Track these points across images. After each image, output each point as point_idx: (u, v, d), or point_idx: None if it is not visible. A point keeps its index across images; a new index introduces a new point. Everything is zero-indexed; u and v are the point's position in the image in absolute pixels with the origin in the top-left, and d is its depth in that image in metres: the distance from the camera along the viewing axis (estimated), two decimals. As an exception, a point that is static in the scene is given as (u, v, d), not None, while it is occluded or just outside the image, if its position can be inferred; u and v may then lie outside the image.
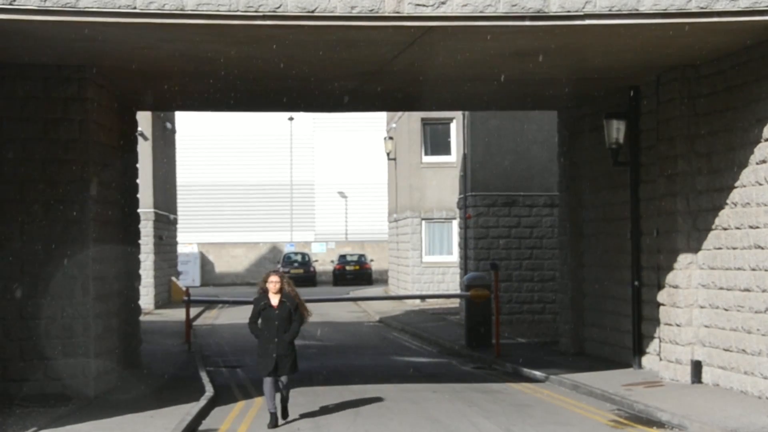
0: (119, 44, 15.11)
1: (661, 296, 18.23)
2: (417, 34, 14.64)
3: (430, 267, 41.46)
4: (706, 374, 17.22)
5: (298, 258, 62.46)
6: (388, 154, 46.69)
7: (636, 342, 19.58)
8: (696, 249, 17.44)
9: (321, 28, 14.00)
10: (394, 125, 45.72)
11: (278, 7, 13.51)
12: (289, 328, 14.74)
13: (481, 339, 24.40)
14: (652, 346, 19.11)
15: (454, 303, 35.77)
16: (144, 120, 36.17)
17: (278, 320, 14.66)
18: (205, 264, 64.85)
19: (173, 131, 46.12)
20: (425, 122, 41.42)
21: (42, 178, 16.55)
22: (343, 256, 62.68)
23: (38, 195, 16.52)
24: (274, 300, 14.72)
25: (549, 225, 30.27)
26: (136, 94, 20.15)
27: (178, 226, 48.78)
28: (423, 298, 35.64)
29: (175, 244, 46.73)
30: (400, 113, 42.67)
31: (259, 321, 14.94)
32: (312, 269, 61.64)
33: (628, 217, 19.83)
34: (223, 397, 17.71)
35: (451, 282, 40.14)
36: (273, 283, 14.75)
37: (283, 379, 14.88)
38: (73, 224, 16.57)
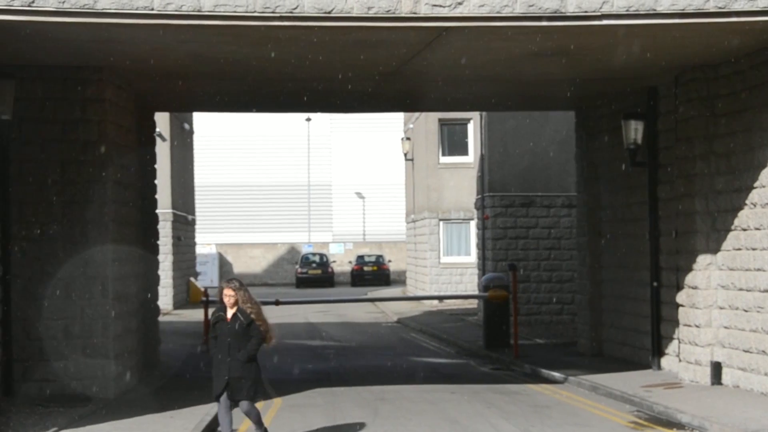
0: (137, 45, 15.15)
1: (680, 297, 18.16)
2: (434, 34, 14.63)
3: (448, 268, 41.42)
4: (726, 376, 17.15)
5: (316, 259, 62.51)
6: (405, 155, 46.68)
7: (655, 343, 19.51)
8: (715, 250, 17.37)
9: (338, 29, 14.01)
10: (411, 126, 45.70)
11: (295, 8, 13.52)
12: (245, 346, 12.64)
13: (500, 340, 24.36)
14: (671, 347, 19.04)
15: (472, 304, 35.73)
16: (162, 121, 36.29)
17: (230, 336, 12.61)
18: (224, 265, 64.97)
19: (191, 132, 46.24)
20: (442, 123, 41.39)
21: (61, 179, 16.63)
22: (360, 257, 62.70)
23: (57, 196, 16.60)
24: (229, 314, 12.74)
25: (567, 226, 30.19)
26: (153, 95, 20.21)
27: (197, 226, 48.90)
28: (441, 298, 35.60)
29: (193, 244, 46.84)
30: (417, 114, 42.65)
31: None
32: (330, 270, 61.67)
33: (647, 217, 19.77)
34: (242, 397, 17.70)
35: (469, 283, 40.09)
36: (227, 297, 12.73)
37: (243, 406, 12.77)
38: (92, 225, 16.63)
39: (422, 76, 18.20)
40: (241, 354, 12.58)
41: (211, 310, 34.57)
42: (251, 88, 19.30)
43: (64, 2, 13.23)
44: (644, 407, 15.98)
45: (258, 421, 12.89)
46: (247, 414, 12.86)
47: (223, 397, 12.69)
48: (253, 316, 12.63)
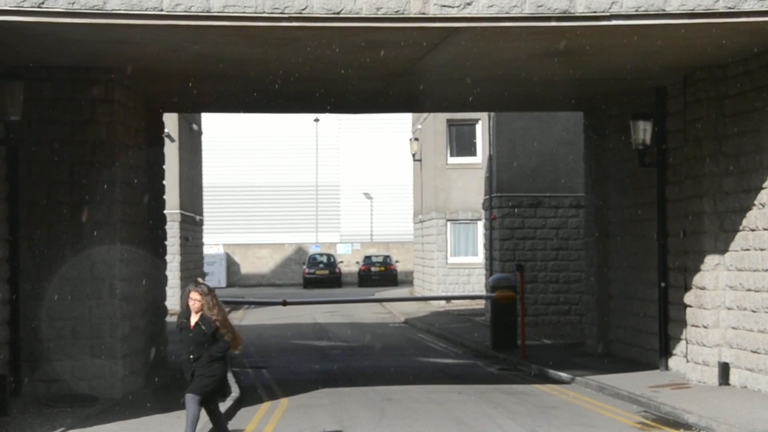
0: (146, 46, 15.18)
1: (688, 298, 18.13)
2: (442, 35, 14.63)
3: (456, 268, 41.41)
4: (734, 376, 17.12)
5: (324, 259, 62.54)
6: (413, 155, 46.67)
7: (663, 343, 19.48)
8: (723, 250, 17.34)
9: (347, 29, 14.02)
10: (419, 126, 45.70)
11: (304, 9, 13.54)
12: (207, 353, 12.03)
13: (507, 340, 24.34)
14: (679, 348, 19.02)
15: (480, 304, 35.71)
16: (170, 121, 36.32)
17: (192, 345, 12.06)
18: (231, 265, 65.03)
19: (199, 132, 46.28)
20: (450, 123, 41.38)
21: (69, 179, 16.66)
22: (368, 257, 62.71)
23: (66, 196, 16.63)
24: (193, 320, 12.12)
25: (575, 226, 30.16)
26: (162, 95, 20.24)
27: (204, 227, 48.92)
28: (448, 299, 35.61)
29: (201, 245, 46.86)
30: (425, 114, 42.65)
31: None
32: (337, 270, 61.69)
33: (655, 218, 19.74)
34: (249, 397, 17.76)
35: (477, 283, 40.07)
36: (192, 301, 12.09)
37: (189, 398, 12.18)
38: (100, 225, 16.66)
39: (431, 76, 18.20)
40: (204, 356, 12.00)
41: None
42: (259, 88, 19.32)
43: (73, 3, 13.25)
44: (651, 408, 15.96)
45: (192, 422, 12.06)
46: (186, 406, 12.11)
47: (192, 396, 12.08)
48: (217, 323, 11.99)
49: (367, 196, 68.18)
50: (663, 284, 19.42)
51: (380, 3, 13.60)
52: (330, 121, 66.18)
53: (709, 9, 13.83)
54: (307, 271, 61.18)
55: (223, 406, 15.85)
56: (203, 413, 12.33)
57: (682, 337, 18.71)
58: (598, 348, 22.67)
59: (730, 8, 13.82)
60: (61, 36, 14.32)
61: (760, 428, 13.47)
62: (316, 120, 66.72)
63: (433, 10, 13.69)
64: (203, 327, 11.99)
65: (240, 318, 37.91)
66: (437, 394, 18.03)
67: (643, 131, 19.60)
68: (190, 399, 12.02)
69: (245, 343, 29.38)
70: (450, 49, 15.58)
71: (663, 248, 19.44)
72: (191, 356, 11.99)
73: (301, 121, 65.87)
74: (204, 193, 49.19)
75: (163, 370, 20.70)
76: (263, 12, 13.52)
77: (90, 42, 14.81)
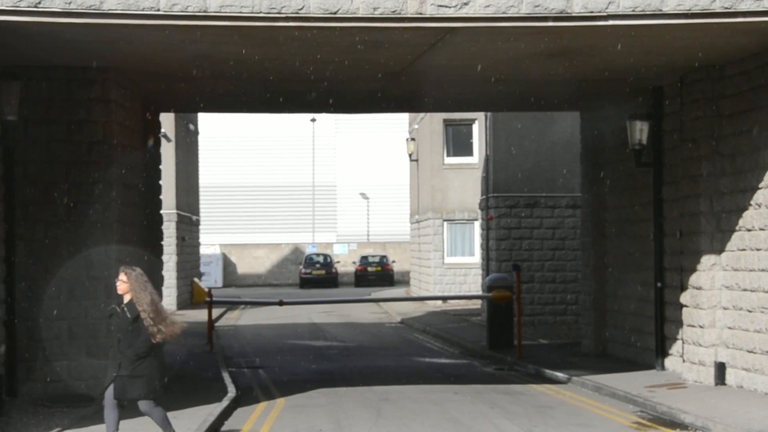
0: (143, 46, 15.17)
1: (684, 297, 18.15)
2: (439, 35, 14.64)
3: (452, 268, 41.41)
4: (730, 376, 17.14)
5: (320, 259, 62.54)
6: (410, 156, 46.66)
7: (659, 343, 19.50)
8: (719, 250, 17.36)
9: (343, 29, 14.02)
10: (416, 126, 45.71)
11: (301, 9, 13.54)
12: (135, 342, 11.51)
13: (503, 340, 24.35)
14: (675, 348, 19.04)
15: (476, 304, 35.72)
16: (167, 121, 36.30)
17: (120, 332, 11.53)
18: (228, 265, 65.02)
19: (196, 132, 46.27)
20: (447, 123, 41.39)
21: (66, 179, 16.64)
22: (364, 257, 62.72)
23: (62, 196, 16.61)
24: (124, 304, 11.63)
25: (571, 226, 30.19)
26: (159, 95, 20.23)
27: (201, 227, 48.92)
28: (445, 299, 35.61)
29: (197, 245, 46.87)
30: (422, 114, 42.65)
31: None
32: (334, 270, 61.69)
33: (651, 218, 19.75)
34: (246, 397, 17.76)
35: (473, 283, 40.09)
36: (119, 282, 11.62)
37: (141, 406, 11.81)
38: (96, 225, 16.65)
39: (427, 76, 18.20)
40: (129, 351, 11.48)
41: (215, 312, 34.62)
42: (256, 88, 19.31)
43: (70, 3, 13.25)
44: (648, 407, 15.98)
45: (162, 422, 11.88)
46: (147, 414, 11.83)
47: (110, 395, 11.73)
48: (140, 308, 11.43)
49: (364, 196, 68.17)
50: (659, 284, 19.44)
51: (377, 3, 13.60)
52: (327, 121, 66.18)
53: (705, 9, 13.84)
54: (303, 271, 61.18)
55: (220, 406, 15.88)
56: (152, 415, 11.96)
57: (679, 336, 18.73)
58: (594, 348, 22.68)
59: (726, 8, 13.83)
60: (58, 36, 14.31)
61: (756, 428, 13.49)
62: (313, 120, 66.71)
63: (430, 10, 13.69)
64: (128, 312, 11.53)
65: (236, 318, 37.91)
66: (434, 394, 18.03)
67: (640, 131, 19.62)
68: (149, 405, 11.72)
69: (241, 343, 29.38)
70: (447, 49, 15.59)
71: (659, 248, 19.46)
72: (119, 346, 11.48)
73: (298, 121, 65.86)
74: (200, 193, 49.20)
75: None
76: (260, 12, 13.52)
77: (86, 42, 14.80)
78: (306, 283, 60.26)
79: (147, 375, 11.61)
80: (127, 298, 11.59)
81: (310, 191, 68.03)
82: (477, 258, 39.76)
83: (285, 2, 13.49)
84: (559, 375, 19.74)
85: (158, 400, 11.91)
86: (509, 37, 14.81)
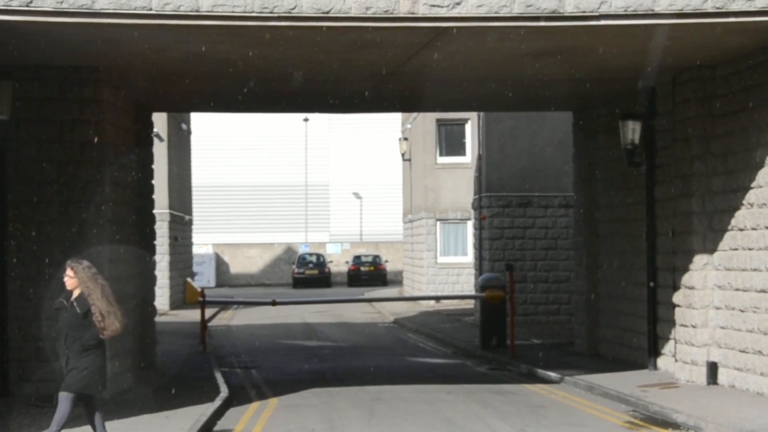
0: (135, 46, 15.15)
1: (677, 297, 18.18)
2: (432, 35, 14.64)
3: (445, 268, 41.43)
4: (722, 375, 17.17)
5: (313, 259, 62.51)
6: (402, 155, 46.67)
7: (651, 343, 19.52)
8: (712, 250, 17.39)
9: (336, 29, 14.01)
10: (408, 126, 45.72)
11: (293, 8, 13.53)
12: (83, 336, 11.05)
13: (496, 340, 24.36)
14: (668, 348, 19.06)
15: (469, 304, 35.74)
16: (159, 121, 36.28)
17: (68, 327, 11.09)
18: (220, 265, 64.96)
19: (188, 132, 46.22)
20: (440, 123, 41.40)
21: (58, 179, 16.62)
22: (357, 257, 62.70)
23: (54, 196, 16.59)
24: (73, 299, 11.20)
25: (564, 226, 30.21)
26: (151, 95, 20.21)
27: (194, 227, 48.87)
28: (438, 299, 35.62)
29: (190, 245, 46.82)
30: (415, 114, 42.67)
31: None
32: (327, 270, 61.66)
33: (644, 218, 19.78)
34: (238, 397, 17.74)
35: (466, 283, 40.10)
36: (66, 277, 11.20)
37: (62, 395, 11.24)
38: (88, 225, 16.62)
39: (420, 76, 18.21)
40: (76, 345, 11.02)
41: (208, 312, 34.55)
42: (249, 88, 19.29)
43: (62, 2, 13.23)
44: (640, 407, 15.99)
45: (58, 420, 11.09)
46: (60, 403, 11.14)
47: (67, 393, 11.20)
48: (91, 302, 11.00)
49: (357, 195, 68.17)
50: (652, 284, 19.46)
51: (369, 2, 13.60)
52: (319, 120, 66.16)
53: (697, 9, 13.86)
54: (296, 270, 61.14)
55: (212, 406, 15.87)
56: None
57: (671, 336, 18.75)
58: (587, 347, 22.70)
59: (718, 8, 13.86)
60: (50, 35, 14.29)
61: (748, 427, 13.51)
62: (306, 119, 66.69)
63: (422, 10, 13.69)
64: (77, 308, 11.05)
65: (229, 318, 37.88)
66: (427, 393, 18.04)
67: (632, 131, 19.63)
68: (64, 398, 11.06)
69: (234, 343, 29.39)
70: (440, 48, 15.59)
71: (652, 248, 19.48)
72: (65, 341, 11.02)
73: (291, 120, 65.84)
74: (193, 193, 49.15)
75: (152, 370, 20.68)
76: (252, 11, 13.51)
77: (78, 41, 14.78)
78: (299, 282, 60.23)
79: (91, 369, 11.05)
80: (76, 293, 11.12)
81: (303, 191, 68.01)
82: (470, 258, 39.77)
83: (277, 2, 13.48)
84: (552, 375, 19.75)
85: (100, 403, 11.43)
86: (502, 37, 14.81)
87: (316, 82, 18.61)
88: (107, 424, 11.56)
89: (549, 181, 30.63)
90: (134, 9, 13.35)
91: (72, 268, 11.13)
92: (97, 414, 11.45)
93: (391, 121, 60.13)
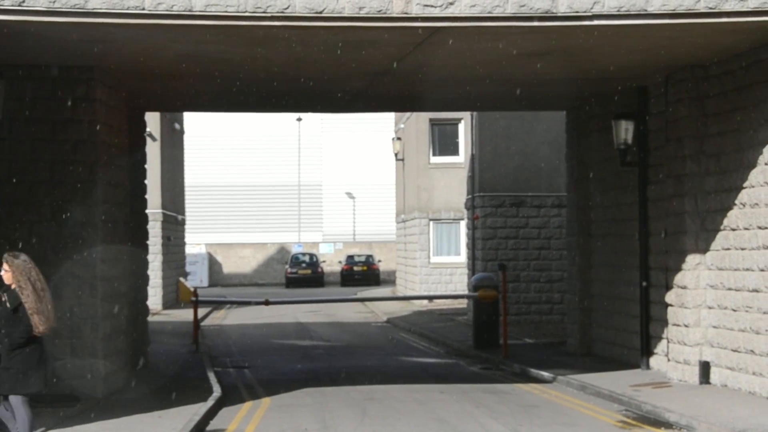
0: (128, 45, 15.13)
1: (669, 297, 18.20)
2: (425, 34, 14.64)
3: (438, 267, 41.45)
4: (714, 375, 17.20)
5: (306, 259, 62.51)
6: (396, 155, 46.68)
7: (644, 343, 19.55)
8: (704, 249, 17.41)
9: (329, 29, 14.01)
10: (402, 126, 45.73)
11: (286, 8, 13.52)
12: (14, 333, 10.75)
13: (489, 340, 24.37)
14: (660, 347, 19.08)
15: (462, 303, 35.76)
16: (152, 120, 36.23)
17: (2, 321, 10.82)
18: (213, 264, 64.92)
19: (181, 132, 46.18)
20: (433, 123, 41.42)
21: (51, 179, 16.59)
22: (350, 257, 62.70)
23: (47, 196, 16.56)
24: (5, 293, 10.94)
25: (557, 225, 30.24)
26: (144, 94, 20.18)
27: (186, 226, 48.83)
28: (431, 298, 35.61)
29: (183, 244, 46.77)
30: (408, 114, 42.68)
31: None
32: (320, 270, 61.67)
33: (637, 217, 19.80)
34: (231, 397, 17.73)
35: (459, 283, 40.12)
36: (2, 272, 10.91)
37: (12, 401, 10.82)
38: (81, 225, 16.60)
39: (414, 76, 18.21)
40: (5, 342, 10.70)
41: (201, 311, 34.51)
42: (242, 88, 19.28)
43: (54, 2, 13.20)
44: (632, 406, 16.01)
45: (23, 425, 10.76)
46: (15, 410, 10.79)
47: None
48: (22, 298, 10.69)
49: (350, 195, 68.17)
50: (644, 283, 19.48)
51: (363, 2, 13.60)
52: (312, 120, 66.14)
53: (690, 9, 13.88)
54: (289, 270, 61.13)
55: (205, 406, 15.85)
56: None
57: (664, 336, 18.78)
58: (579, 347, 22.72)
59: (711, 8, 13.88)
60: (42, 35, 14.26)
61: (740, 426, 13.54)
62: (299, 119, 66.67)
63: (415, 10, 13.69)
64: (8, 302, 10.74)
65: (222, 317, 37.86)
66: (419, 393, 18.04)
67: (625, 131, 19.66)
68: (14, 401, 10.76)
69: (227, 343, 29.39)
70: (433, 48, 15.59)
71: (644, 247, 19.51)
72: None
73: (284, 120, 65.82)
74: (186, 193, 49.10)
75: (145, 369, 20.65)
76: (245, 11, 13.50)
77: (71, 41, 14.75)
78: (292, 282, 60.22)
79: (19, 368, 10.70)
80: (14, 288, 10.87)
81: (296, 191, 67.99)
82: (463, 257, 39.79)
83: (270, 1, 13.48)
84: (545, 374, 19.77)
85: (40, 399, 11.08)
86: (495, 37, 14.82)
87: (310, 82, 18.60)
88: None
89: (542, 180, 30.66)
90: (127, 9, 13.33)
91: (7, 262, 10.79)
92: (19, 415, 10.88)
93: (384, 121, 60.15)
